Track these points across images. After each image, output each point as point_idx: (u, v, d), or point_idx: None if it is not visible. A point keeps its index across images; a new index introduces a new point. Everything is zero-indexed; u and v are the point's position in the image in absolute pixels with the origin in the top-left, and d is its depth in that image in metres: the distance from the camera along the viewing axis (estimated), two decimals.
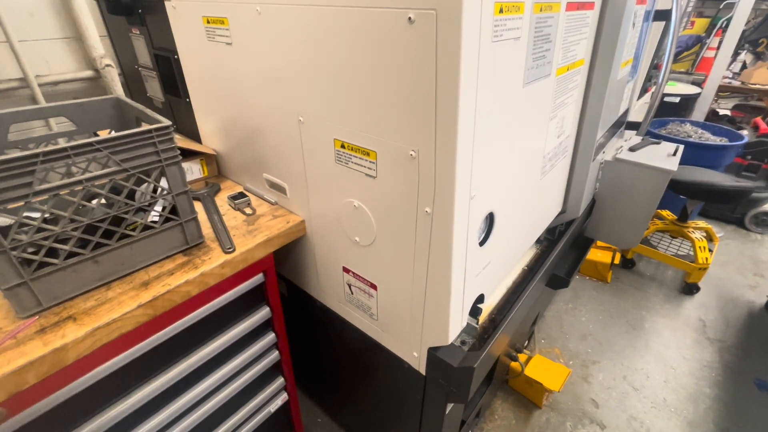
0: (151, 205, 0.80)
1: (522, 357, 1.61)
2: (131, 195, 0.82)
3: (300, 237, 1.05)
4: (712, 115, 4.08)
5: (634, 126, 1.72)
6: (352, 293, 1.00)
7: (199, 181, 1.20)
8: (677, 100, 2.85)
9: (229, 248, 0.88)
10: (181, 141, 1.21)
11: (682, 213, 2.31)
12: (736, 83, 3.80)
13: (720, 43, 3.41)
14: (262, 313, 1.05)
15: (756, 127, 2.84)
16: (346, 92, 0.71)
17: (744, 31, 4.17)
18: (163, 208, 0.82)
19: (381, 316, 0.96)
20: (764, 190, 2.66)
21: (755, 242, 2.75)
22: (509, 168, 0.82)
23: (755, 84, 3.65)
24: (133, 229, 0.78)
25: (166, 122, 0.76)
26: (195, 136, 1.27)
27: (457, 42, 0.54)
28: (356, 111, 0.71)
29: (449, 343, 0.83)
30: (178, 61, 1.14)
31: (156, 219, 0.82)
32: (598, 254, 2.29)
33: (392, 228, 0.79)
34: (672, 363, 1.86)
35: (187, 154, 1.17)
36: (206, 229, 0.96)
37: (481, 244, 0.81)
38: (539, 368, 1.61)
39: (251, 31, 0.85)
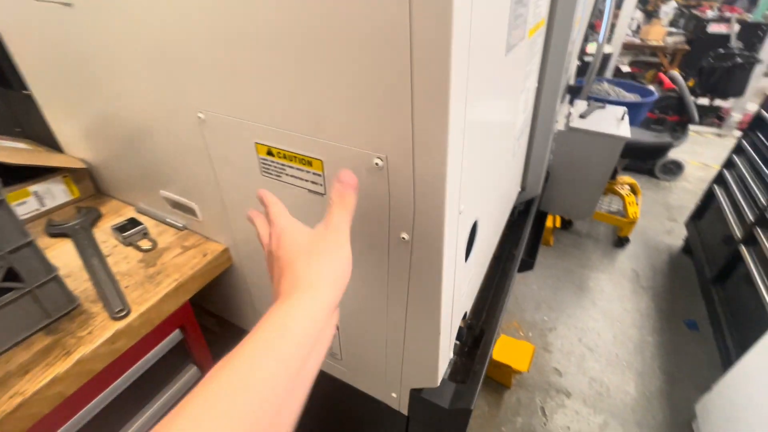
0: None
1: None
2: None
3: (226, 268, 0.80)
4: (617, 71, 4.38)
5: (573, 90, 1.67)
6: None
7: (66, 207, 0.86)
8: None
9: (121, 311, 0.61)
10: (29, 153, 0.85)
11: (613, 171, 2.41)
12: (636, 41, 4.08)
13: (620, 2, 3.59)
14: (188, 375, 0.79)
15: (660, 83, 3.07)
16: (267, 72, 0.47)
17: None
18: None
19: (346, 356, 0.77)
20: (678, 142, 2.89)
21: (665, 189, 3.03)
22: (490, 160, 0.65)
23: (652, 41, 3.94)
24: None
25: None
26: (51, 143, 0.91)
27: None
28: (285, 101, 0.48)
29: (438, 385, 0.68)
30: None
31: None
32: None
33: (355, 259, 0.58)
34: (617, 317, 1.96)
35: (44, 171, 0.82)
36: (82, 283, 0.67)
37: (466, 259, 0.65)
38: (505, 350, 1.57)
39: None
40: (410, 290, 0.56)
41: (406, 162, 0.44)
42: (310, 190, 0.55)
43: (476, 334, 0.89)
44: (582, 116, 1.32)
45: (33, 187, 0.80)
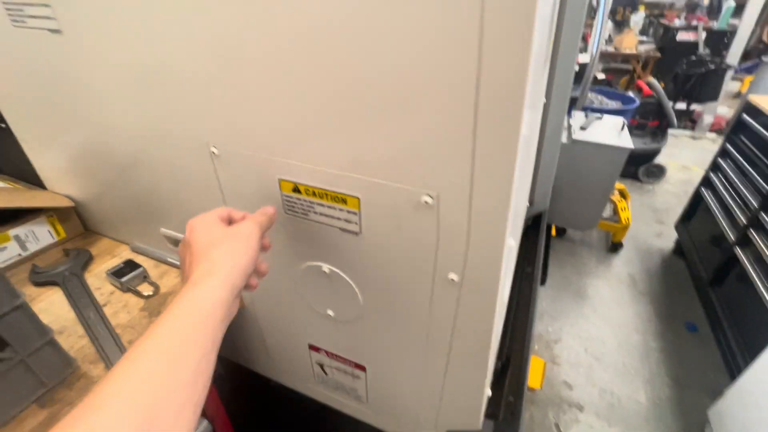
0: None
1: None
2: None
3: None
4: (594, 79, 4.51)
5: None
6: (326, 374, 0.73)
7: (52, 250, 0.78)
8: (577, 68, 3.00)
9: None
10: (8, 193, 0.77)
11: None
12: (611, 49, 4.21)
13: (593, 14, 3.71)
14: (200, 430, 0.72)
15: (639, 90, 3.16)
16: (293, 98, 0.42)
17: None
18: None
19: (372, 399, 0.71)
20: (661, 146, 2.96)
21: (650, 192, 3.09)
22: (520, 183, 0.62)
23: (626, 49, 4.08)
24: None
25: None
26: (31, 178, 0.83)
27: None
28: (319, 136, 0.43)
29: (481, 428, 0.63)
30: None
31: None
32: None
33: (391, 301, 0.53)
34: (619, 323, 1.95)
35: (25, 212, 0.74)
36: (77, 340, 0.59)
37: None
38: None
39: (94, 4, 0.49)
40: (455, 333, 0.52)
41: (462, 199, 0.40)
42: (342, 229, 0.49)
43: (502, 360, 0.85)
44: (583, 128, 1.32)
45: (13, 231, 0.72)
